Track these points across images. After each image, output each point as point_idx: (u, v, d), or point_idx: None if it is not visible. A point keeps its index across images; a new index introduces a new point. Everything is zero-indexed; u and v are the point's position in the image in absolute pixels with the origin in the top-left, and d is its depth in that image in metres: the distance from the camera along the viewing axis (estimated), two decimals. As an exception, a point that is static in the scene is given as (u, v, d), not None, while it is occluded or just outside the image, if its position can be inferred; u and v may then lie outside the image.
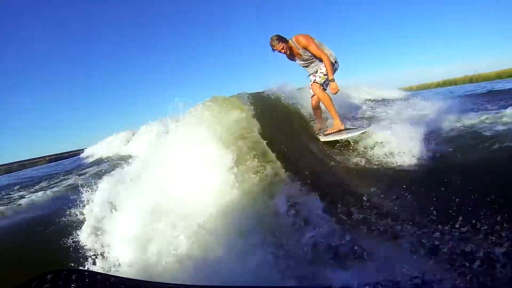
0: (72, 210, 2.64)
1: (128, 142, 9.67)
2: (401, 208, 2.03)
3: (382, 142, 3.10)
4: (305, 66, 3.61)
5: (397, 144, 2.98)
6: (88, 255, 2.00)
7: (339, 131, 3.42)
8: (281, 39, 3.33)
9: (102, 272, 1.69)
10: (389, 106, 6.00)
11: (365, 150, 3.20)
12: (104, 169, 6.03)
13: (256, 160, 2.20)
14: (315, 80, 3.48)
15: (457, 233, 1.57)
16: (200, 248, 1.70)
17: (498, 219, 1.56)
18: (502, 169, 2.24)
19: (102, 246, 2.06)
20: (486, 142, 2.72)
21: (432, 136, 3.16)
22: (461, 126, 3.34)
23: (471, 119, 3.50)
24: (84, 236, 2.23)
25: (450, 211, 1.77)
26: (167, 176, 2.16)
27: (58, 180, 6.75)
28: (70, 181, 5.96)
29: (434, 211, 1.84)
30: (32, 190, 5.64)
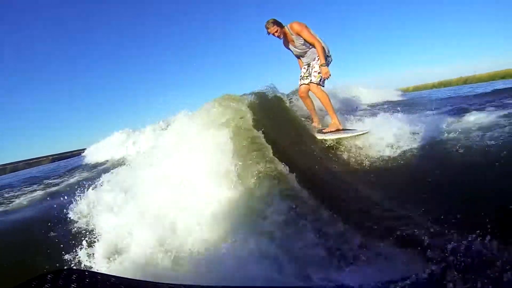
0: (73, 210, 2.65)
1: (131, 141, 9.64)
2: (401, 208, 2.03)
3: (378, 143, 3.12)
4: (300, 56, 3.61)
5: (393, 143, 3.03)
6: (88, 254, 2.00)
7: (337, 130, 3.44)
8: (276, 22, 3.35)
9: (103, 272, 1.68)
10: (385, 107, 6.04)
11: (361, 149, 3.22)
12: (105, 169, 6.03)
13: (256, 157, 2.23)
14: (311, 80, 3.49)
15: (454, 232, 1.57)
16: (199, 246, 1.70)
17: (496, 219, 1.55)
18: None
19: (102, 245, 2.06)
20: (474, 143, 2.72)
21: (427, 135, 3.18)
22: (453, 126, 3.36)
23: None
24: (84, 236, 2.23)
25: (443, 206, 1.77)
26: (168, 173, 2.18)
27: (59, 179, 6.76)
28: (71, 181, 5.96)
29: (429, 206, 1.87)
30: (33, 189, 5.65)
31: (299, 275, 1.47)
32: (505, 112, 3.46)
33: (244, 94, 3.26)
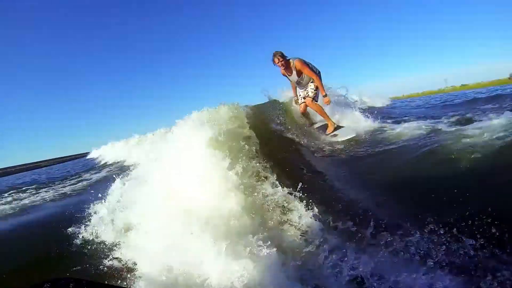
0: (74, 215, 2.64)
1: (138, 146, 9.74)
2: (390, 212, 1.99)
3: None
4: (297, 83, 4.44)
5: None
6: (88, 262, 1.98)
7: (335, 129, 4.27)
8: (283, 56, 4.13)
9: (100, 282, 1.66)
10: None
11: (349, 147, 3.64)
12: (110, 173, 6.07)
13: (249, 161, 2.30)
14: (308, 95, 4.33)
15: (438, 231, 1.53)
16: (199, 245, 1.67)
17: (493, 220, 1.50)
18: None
19: (103, 253, 2.04)
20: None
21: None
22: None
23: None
24: (84, 242, 2.21)
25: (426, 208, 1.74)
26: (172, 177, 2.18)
27: (63, 182, 6.84)
28: (74, 185, 6.02)
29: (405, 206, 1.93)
30: (37, 191, 5.72)
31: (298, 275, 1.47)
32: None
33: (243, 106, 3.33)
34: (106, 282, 1.67)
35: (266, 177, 2.28)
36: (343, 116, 4.92)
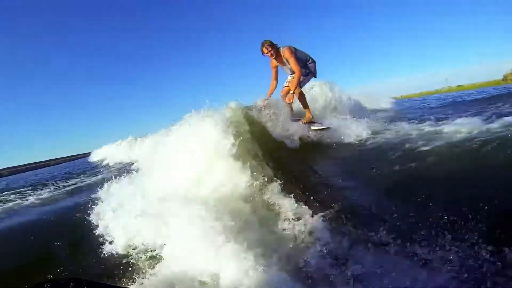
0: (75, 215, 2.65)
1: (137, 146, 9.73)
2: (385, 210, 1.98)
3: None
4: (291, 72, 4.26)
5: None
6: (88, 262, 1.98)
7: (310, 122, 4.20)
8: (272, 44, 3.92)
9: (100, 282, 1.67)
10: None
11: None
12: (111, 173, 6.08)
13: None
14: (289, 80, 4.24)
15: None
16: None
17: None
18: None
19: (103, 253, 2.05)
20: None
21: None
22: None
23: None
24: (85, 242, 2.22)
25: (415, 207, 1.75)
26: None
27: (64, 182, 6.85)
28: (74, 184, 6.02)
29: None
30: (36, 192, 5.73)
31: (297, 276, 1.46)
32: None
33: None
34: (106, 282, 1.67)
35: (269, 178, 2.29)
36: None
